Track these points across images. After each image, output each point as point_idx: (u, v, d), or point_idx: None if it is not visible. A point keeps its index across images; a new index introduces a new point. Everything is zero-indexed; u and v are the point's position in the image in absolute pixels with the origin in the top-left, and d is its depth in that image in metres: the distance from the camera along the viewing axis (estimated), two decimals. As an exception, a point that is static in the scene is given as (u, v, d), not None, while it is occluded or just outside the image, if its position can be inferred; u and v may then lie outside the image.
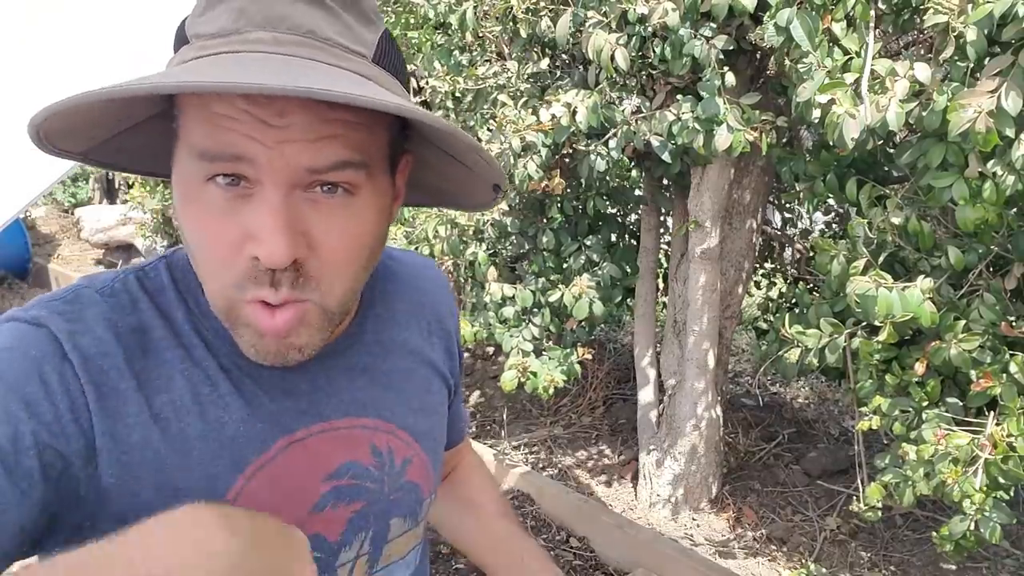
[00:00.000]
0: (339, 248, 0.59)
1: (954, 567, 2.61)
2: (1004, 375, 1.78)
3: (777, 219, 3.55)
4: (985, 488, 1.71)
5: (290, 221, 0.55)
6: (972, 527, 1.76)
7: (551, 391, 2.67)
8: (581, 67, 2.60)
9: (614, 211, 3.21)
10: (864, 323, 2.02)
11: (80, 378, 0.58)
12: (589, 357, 2.79)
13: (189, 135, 0.56)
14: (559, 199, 2.81)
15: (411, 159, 0.69)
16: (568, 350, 2.77)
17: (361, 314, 0.75)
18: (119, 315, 0.63)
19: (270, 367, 0.66)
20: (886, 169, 2.31)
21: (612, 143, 2.41)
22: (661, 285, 3.25)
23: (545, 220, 2.90)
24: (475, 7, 2.56)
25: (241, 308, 0.59)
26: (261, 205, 0.55)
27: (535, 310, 2.81)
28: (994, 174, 1.64)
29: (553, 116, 2.37)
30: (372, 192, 0.60)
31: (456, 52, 3.12)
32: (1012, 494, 1.79)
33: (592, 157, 2.44)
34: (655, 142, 2.30)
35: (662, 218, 3.13)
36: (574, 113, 2.31)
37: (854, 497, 2.20)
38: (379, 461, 0.73)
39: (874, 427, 2.04)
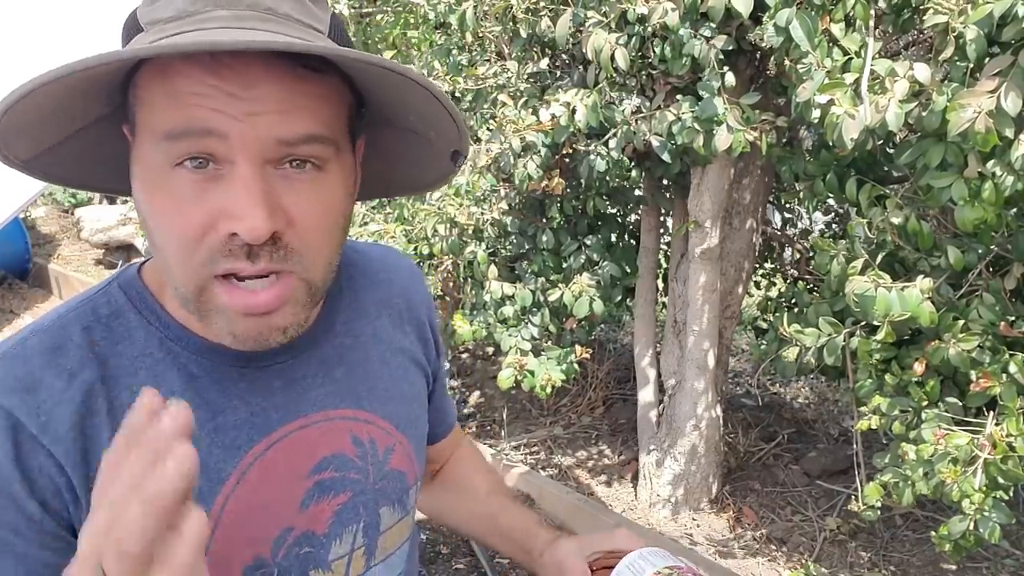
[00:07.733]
0: (315, 220, 0.58)
1: (954, 567, 2.61)
2: (1003, 375, 1.78)
3: (777, 219, 3.54)
4: (984, 488, 1.71)
5: (266, 194, 0.55)
6: (971, 527, 1.76)
7: (548, 390, 2.67)
8: (581, 67, 2.60)
9: (614, 211, 3.21)
10: (863, 323, 2.02)
11: (38, 439, 0.58)
12: (587, 356, 2.79)
13: (152, 120, 0.55)
14: (559, 199, 2.81)
15: (363, 143, 0.69)
16: (567, 349, 2.77)
17: (329, 306, 0.75)
18: (70, 354, 0.61)
19: (241, 367, 0.66)
20: (886, 169, 2.31)
21: (612, 143, 2.41)
22: (661, 285, 3.25)
23: (545, 220, 2.90)
24: (475, 7, 2.56)
25: (212, 288, 0.57)
26: (235, 181, 0.54)
27: (534, 310, 2.81)
28: (993, 174, 1.64)
29: (553, 116, 2.37)
30: (339, 168, 0.61)
31: (455, 52, 3.12)
32: (1011, 494, 1.79)
33: (592, 157, 2.44)
34: (655, 142, 2.30)
35: (662, 218, 3.13)
36: (573, 112, 2.31)
37: (854, 497, 2.20)
38: (361, 451, 0.73)
39: (874, 427, 2.04)
